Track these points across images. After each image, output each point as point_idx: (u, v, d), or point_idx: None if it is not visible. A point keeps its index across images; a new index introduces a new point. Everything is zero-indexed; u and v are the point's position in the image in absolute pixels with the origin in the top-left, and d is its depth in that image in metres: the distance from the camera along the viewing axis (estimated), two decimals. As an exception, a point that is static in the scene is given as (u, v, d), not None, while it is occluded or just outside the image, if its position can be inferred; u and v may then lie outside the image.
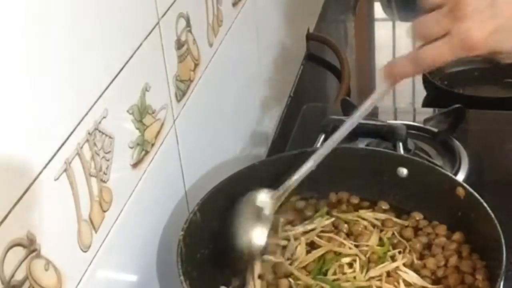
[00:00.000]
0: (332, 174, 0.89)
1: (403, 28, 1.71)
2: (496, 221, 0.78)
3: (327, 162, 0.82)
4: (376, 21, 1.81)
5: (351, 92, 1.40)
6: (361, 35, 1.74)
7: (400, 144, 1.01)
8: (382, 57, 1.59)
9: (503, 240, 0.75)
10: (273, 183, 0.82)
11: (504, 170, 1.10)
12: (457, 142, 1.12)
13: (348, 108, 1.18)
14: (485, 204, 0.80)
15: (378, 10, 1.78)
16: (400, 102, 1.42)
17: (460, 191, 0.84)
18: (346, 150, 0.93)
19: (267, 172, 0.88)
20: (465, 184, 0.84)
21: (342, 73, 1.43)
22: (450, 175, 0.89)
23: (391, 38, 1.66)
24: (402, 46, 1.60)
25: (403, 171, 0.89)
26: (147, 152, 0.76)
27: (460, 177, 1.06)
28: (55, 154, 0.58)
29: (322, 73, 1.54)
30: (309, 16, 1.63)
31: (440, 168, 0.92)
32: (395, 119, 1.27)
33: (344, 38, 1.71)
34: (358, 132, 1.05)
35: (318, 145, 1.01)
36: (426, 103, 1.35)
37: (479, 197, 0.82)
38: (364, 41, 1.71)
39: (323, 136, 1.03)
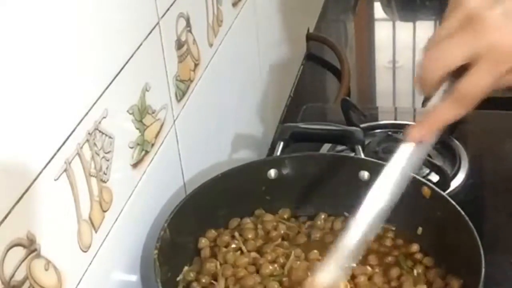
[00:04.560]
0: (292, 185, 0.86)
1: (403, 28, 1.72)
2: (470, 224, 0.75)
3: (284, 172, 0.79)
4: (376, 21, 1.81)
5: (351, 92, 1.39)
6: (361, 35, 1.74)
7: (359, 147, 0.96)
8: (382, 57, 1.59)
9: (479, 242, 0.73)
10: (239, 194, 0.80)
11: (504, 170, 1.10)
12: (457, 142, 1.12)
13: (348, 108, 1.18)
14: (453, 203, 0.78)
15: (378, 10, 1.78)
16: (400, 102, 1.42)
17: (425, 191, 0.82)
18: (304, 157, 0.89)
19: (232, 182, 0.85)
20: (429, 183, 0.82)
21: (342, 73, 1.42)
22: (413, 175, 0.85)
23: (391, 38, 1.66)
24: (403, 46, 1.60)
25: (365, 174, 0.86)
26: (147, 152, 0.76)
27: (460, 177, 1.06)
28: (55, 154, 0.58)
29: (322, 73, 1.54)
30: (309, 16, 1.63)
31: None
32: (395, 119, 1.27)
33: (344, 38, 1.71)
34: (311, 138, 1.01)
35: (278, 153, 0.95)
36: (426, 103, 1.35)
37: (446, 196, 0.80)
38: (364, 41, 1.71)
39: (281, 144, 0.96)
